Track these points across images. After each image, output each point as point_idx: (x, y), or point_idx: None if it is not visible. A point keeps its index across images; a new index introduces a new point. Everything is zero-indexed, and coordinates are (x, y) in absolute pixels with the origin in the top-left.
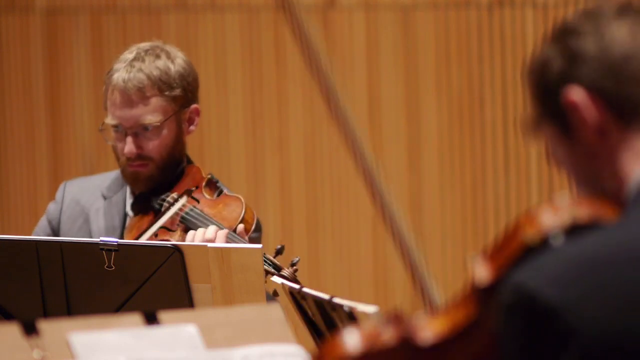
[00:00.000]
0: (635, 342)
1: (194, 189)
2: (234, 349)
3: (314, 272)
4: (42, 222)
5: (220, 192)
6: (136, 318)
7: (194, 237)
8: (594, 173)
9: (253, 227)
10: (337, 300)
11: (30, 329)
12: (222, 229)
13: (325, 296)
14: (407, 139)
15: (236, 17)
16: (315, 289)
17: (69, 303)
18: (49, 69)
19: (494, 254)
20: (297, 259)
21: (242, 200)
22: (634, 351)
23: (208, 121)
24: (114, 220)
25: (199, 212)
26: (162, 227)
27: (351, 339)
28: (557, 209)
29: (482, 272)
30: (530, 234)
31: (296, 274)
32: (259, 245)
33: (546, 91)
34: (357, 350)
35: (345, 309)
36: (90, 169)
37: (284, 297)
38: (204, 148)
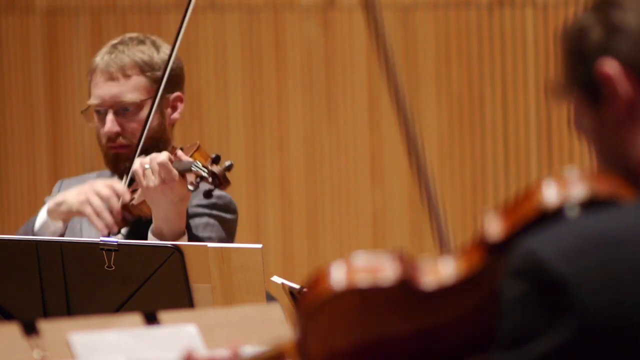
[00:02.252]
0: (638, 320)
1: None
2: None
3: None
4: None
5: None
6: (136, 318)
7: (142, 160)
8: (616, 148)
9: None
10: None
11: (30, 329)
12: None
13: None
14: None
15: (236, 17)
16: None
17: (69, 303)
18: (49, 69)
19: (508, 212)
20: (231, 162)
21: (198, 143)
22: (635, 329)
23: (208, 121)
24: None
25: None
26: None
27: (338, 273)
28: (576, 181)
29: (493, 227)
30: (548, 198)
31: (227, 173)
32: (259, 245)
33: (580, 59)
34: (341, 286)
35: None
36: (90, 169)
37: (284, 297)
38: (204, 148)
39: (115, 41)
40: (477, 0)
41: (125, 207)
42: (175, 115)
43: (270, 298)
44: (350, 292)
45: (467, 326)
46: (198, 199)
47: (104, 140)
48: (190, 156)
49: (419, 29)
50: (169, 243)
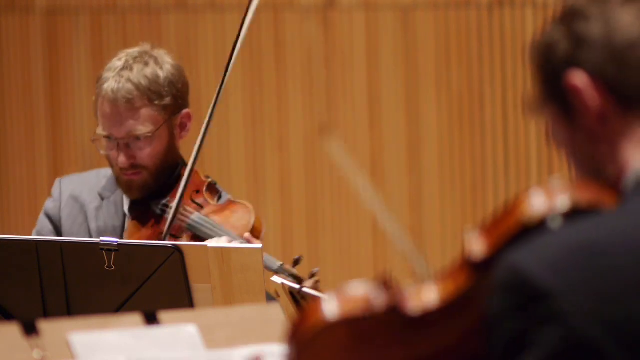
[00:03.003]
0: (624, 330)
1: (195, 192)
2: (234, 349)
3: None
4: (43, 221)
5: (220, 196)
6: (136, 318)
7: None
8: (593, 158)
9: (262, 235)
10: None
11: (30, 329)
12: (233, 238)
13: (325, 296)
14: (407, 139)
15: (236, 17)
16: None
17: (69, 303)
18: (49, 69)
19: (490, 229)
20: (317, 269)
21: (250, 207)
22: (621, 339)
23: None
24: (114, 220)
25: (206, 219)
26: (172, 235)
27: (329, 304)
28: (557, 192)
29: (477, 246)
30: (529, 212)
31: (318, 284)
32: (259, 245)
33: (550, 73)
34: (334, 316)
35: None
36: (90, 169)
37: (284, 297)
38: (204, 148)
39: (119, 63)
40: (477, 0)
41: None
42: (184, 133)
43: (270, 298)
44: (342, 322)
45: (461, 350)
46: None
47: (116, 169)
48: (250, 230)
49: (419, 29)
50: (169, 243)
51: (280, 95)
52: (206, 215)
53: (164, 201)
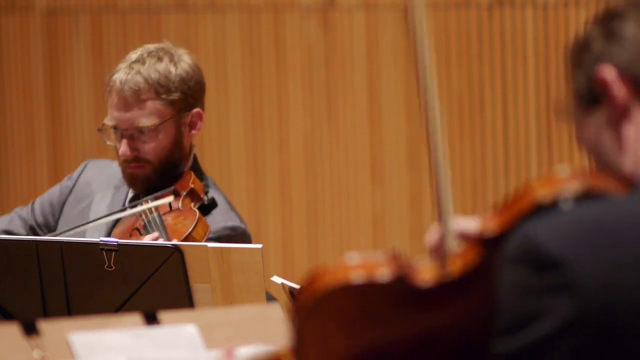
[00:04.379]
0: (634, 301)
1: (174, 196)
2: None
3: None
4: (52, 191)
5: (202, 204)
6: (136, 318)
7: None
8: (612, 151)
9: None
10: None
11: (30, 329)
12: (162, 239)
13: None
14: (407, 139)
15: (236, 17)
16: None
17: (69, 303)
18: (49, 69)
19: (503, 209)
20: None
21: (197, 216)
22: (631, 310)
23: (208, 121)
24: (114, 209)
25: (159, 220)
26: (136, 229)
27: (334, 271)
28: (570, 176)
29: (489, 223)
30: (543, 192)
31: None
32: (259, 245)
33: (582, 68)
34: (338, 283)
35: None
36: None
37: (284, 297)
38: (204, 148)
39: (134, 56)
40: (477, 0)
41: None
42: (194, 132)
43: (270, 298)
44: (347, 289)
45: (466, 325)
46: (211, 231)
47: (121, 160)
48: (185, 238)
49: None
50: (169, 243)
51: (280, 95)
52: (164, 217)
53: (148, 198)
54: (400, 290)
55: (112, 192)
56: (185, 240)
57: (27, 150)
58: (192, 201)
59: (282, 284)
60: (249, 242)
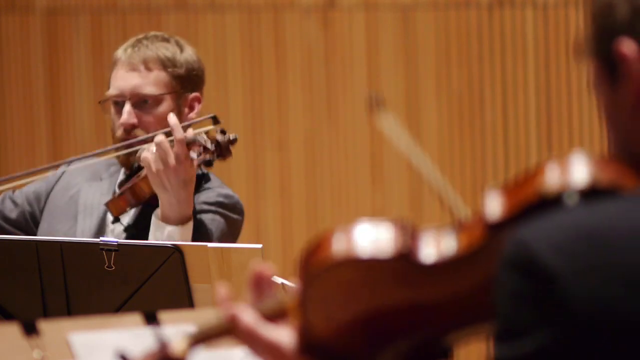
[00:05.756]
0: (628, 320)
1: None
2: (234, 349)
3: None
4: (38, 182)
5: (202, 181)
6: (136, 318)
7: (148, 147)
8: (627, 133)
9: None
10: None
11: (30, 329)
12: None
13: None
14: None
15: (236, 17)
16: None
17: (69, 303)
18: (49, 69)
19: (509, 192)
20: (235, 136)
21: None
22: (622, 323)
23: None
24: (103, 197)
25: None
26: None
27: (338, 242)
28: (578, 166)
29: (495, 207)
30: (549, 186)
31: (230, 145)
32: (259, 245)
33: (603, 34)
34: (341, 256)
35: None
36: None
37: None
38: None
39: (140, 36)
40: (477, 0)
41: (130, 188)
42: (192, 115)
43: None
44: (349, 262)
45: (466, 302)
46: (205, 196)
47: (118, 132)
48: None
49: (419, 29)
50: (169, 243)
51: (280, 95)
52: None
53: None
54: (403, 265)
55: (101, 181)
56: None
57: (27, 150)
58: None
59: (282, 284)
60: (241, 214)
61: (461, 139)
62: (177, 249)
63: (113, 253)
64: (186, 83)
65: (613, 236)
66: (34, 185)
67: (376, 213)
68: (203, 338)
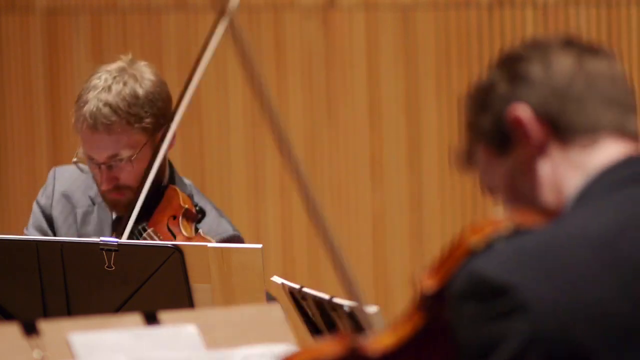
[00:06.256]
0: (585, 316)
1: (172, 218)
2: (234, 349)
3: (314, 273)
4: (38, 216)
5: (199, 220)
6: (136, 318)
7: None
8: (531, 189)
9: None
10: (337, 300)
11: (30, 329)
12: None
13: (326, 296)
14: (407, 139)
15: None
16: (316, 289)
17: (69, 303)
18: (49, 69)
19: (438, 266)
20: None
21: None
22: (584, 324)
23: (208, 122)
24: (104, 228)
25: None
26: None
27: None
28: (499, 219)
29: (428, 282)
30: (474, 240)
31: None
32: (259, 245)
33: (487, 109)
34: None
35: (346, 309)
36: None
37: (284, 297)
38: (204, 149)
39: (99, 82)
40: (477, 0)
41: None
42: (169, 149)
43: (270, 298)
44: None
45: None
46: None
47: (101, 187)
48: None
49: (419, 29)
50: (169, 243)
51: (280, 95)
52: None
53: (143, 224)
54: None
55: (93, 207)
56: None
57: (27, 150)
58: (189, 221)
59: (282, 284)
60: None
61: (461, 139)
62: (177, 249)
63: (113, 253)
64: (155, 126)
65: (547, 247)
66: (35, 219)
67: (376, 213)
68: None
